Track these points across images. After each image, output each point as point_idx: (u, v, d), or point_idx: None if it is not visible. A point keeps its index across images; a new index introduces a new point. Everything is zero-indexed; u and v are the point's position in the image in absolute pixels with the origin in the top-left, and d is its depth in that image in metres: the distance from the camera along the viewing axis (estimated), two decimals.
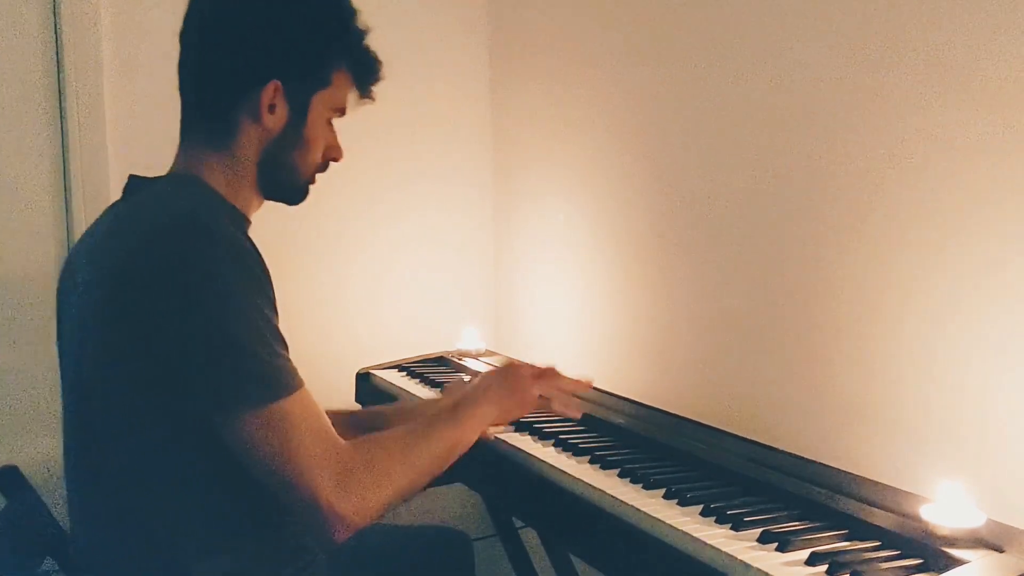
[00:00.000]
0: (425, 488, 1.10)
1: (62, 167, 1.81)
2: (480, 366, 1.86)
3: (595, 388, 1.65)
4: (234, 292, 0.97)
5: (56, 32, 1.77)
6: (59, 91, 1.79)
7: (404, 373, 1.84)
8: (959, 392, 1.20)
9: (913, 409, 1.26)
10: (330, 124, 1.19)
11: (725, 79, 1.57)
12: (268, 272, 1.04)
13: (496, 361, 1.92)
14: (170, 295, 0.95)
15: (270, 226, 1.94)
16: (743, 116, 1.53)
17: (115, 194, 1.80)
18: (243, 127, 1.11)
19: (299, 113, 1.12)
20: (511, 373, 1.25)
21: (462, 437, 1.14)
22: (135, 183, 1.13)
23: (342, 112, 1.19)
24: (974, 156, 1.19)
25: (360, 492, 0.99)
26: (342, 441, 1.02)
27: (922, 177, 1.25)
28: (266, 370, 0.97)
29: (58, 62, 1.78)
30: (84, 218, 1.80)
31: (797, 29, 1.42)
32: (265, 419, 0.96)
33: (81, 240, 1.16)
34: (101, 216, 1.16)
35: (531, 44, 2.15)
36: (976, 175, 1.18)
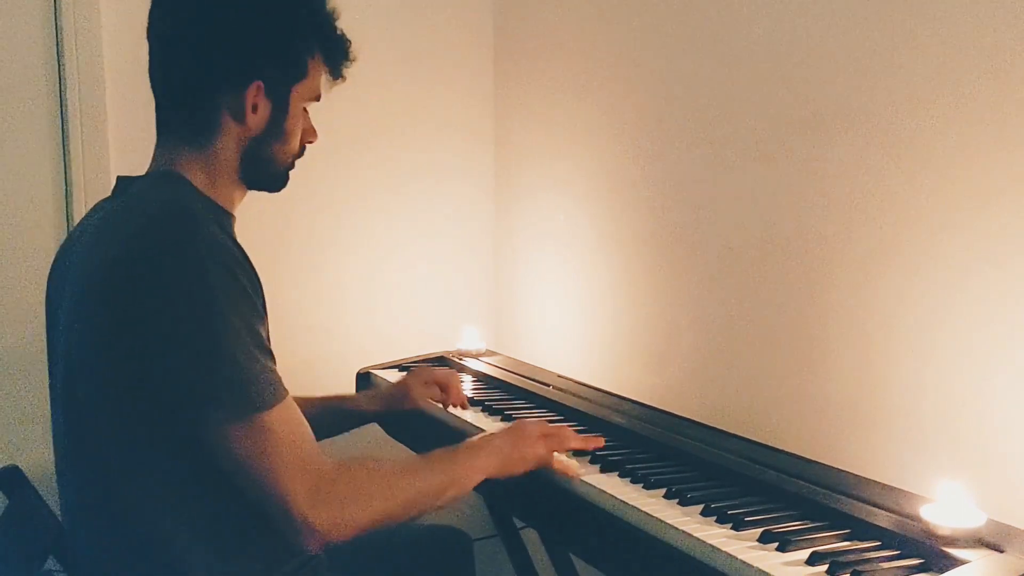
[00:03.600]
0: (413, 520, 1.10)
1: (62, 167, 1.81)
2: (480, 366, 1.86)
3: (595, 388, 1.66)
4: (218, 301, 0.96)
5: (57, 31, 1.77)
6: (60, 91, 1.79)
7: (404, 373, 1.84)
8: (959, 392, 1.21)
9: (913, 409, 1.27)
10: (305, 110, 1.19)
11: (726, 79, 1.57)
12: (255, 275, 1.03)
13: (496, 360, 1.92)
14: (153, 304, 0.96)
15: (269, 226, 1.95)
16: (743, 116, 1.54)
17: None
18: (224, 127, 1.10)
19: (280, 108, 1.12)
20: (520, 428, 1.24)
21: (454, 481, 1.13)
22: (122, 183, 1.14)
23: (318, 98, 1.19)
24: (967, 157, 1.19)
25: (336, 507, 0.99)
26: (324, 457, 1.03)
27: (918, 178, 1.25)
28: (248, 382, 0.96)
29: (59, 61, 1.78)
30: None
31: (798, 31, 1.42)
32: (244, 430, 0.96)
33: (69, 239, 1.16)
34: (88, 215, 1.16)
35: (535, 43, 2.16)
36: (970, 175, 1.19)
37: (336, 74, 1.19)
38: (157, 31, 1.11)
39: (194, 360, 0.95)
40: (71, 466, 1.09)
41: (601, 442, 1.28)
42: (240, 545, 1.07)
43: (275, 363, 1.02)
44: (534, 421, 1.32)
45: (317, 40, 1.14)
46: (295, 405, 1.02)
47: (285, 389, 1.01)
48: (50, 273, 1.16)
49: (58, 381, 1.09)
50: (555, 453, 1.22)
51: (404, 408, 1.54)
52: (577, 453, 1.27)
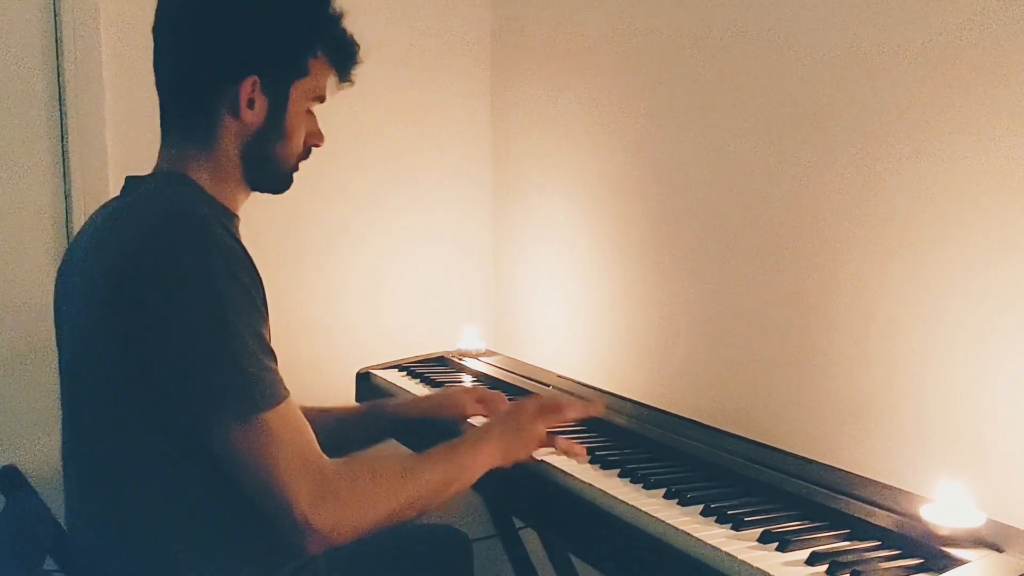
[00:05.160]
0: (416, 518, 1.09)
1: (62, 167, 1.81)
2: (480, 366, 1.86)
3: (595, 388, 1.66)
4: (222, 307, 0.97)
5: (56, 31, 1.77)
6: (59, 90, 1.79)
7: (404, 373, 1.84)
8: (959, 392, 1.21)
9: (913, 409, 1.27)
10: (310, 112, 1.19)
11: (724, 79, 1.57)
12: (258, 276, 1.03)
13: (496, 360, 1.92)
14: (157, 308, 0.96)
15: (270, 225, 1.95)
16: (742, 116, 1.54)
17: (115, 194, 1.82)
18: (223, 123, 1.11)
19: (279, 105, 1.12)
20: (515, 412, 1.22)
21: (458, 476, 1.12)
22: (130, 183, 1.14)
23: (322, 99, 1.19)
24: (967, 156, 1.19)
25: (339, 510, 0.99)
26: (325, 458, 1.02)
27: (917, 178, 1.25)
28: (249, 383, 0.97)
29: (58, 62, 1.78)
30: (84, 218, 1.80)
31: (795, 30, 1.42)
32: (246, 431, 0.97)
33: (76, 239, 1.17)
34: (95, 214, 1.16)
35: (532, 44, 2.15)
36: (970, 175, 1.18)
37: (343, 77, 1.18)
38: (159, 27, 1.12)
39: (197, 366, 0.96)
40: (75, 466, 1.10)
41: (601, 408, 1.24)
42: (239, 547, 1.07)
43: (276, 362, 1.02)
44: (531, 399, 1.29)
45: (320, 41, 1.14)
46: (295, 405, 1.02)
47: (286, 389, 1.01)
48: (58, 274, 1.17)
49: (65, 378, 1.10)
50: (558, 438, 1.21)
51: (447, 416, 1.46)
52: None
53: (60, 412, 1.12)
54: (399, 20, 2.11)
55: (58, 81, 1.79)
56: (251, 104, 1.10)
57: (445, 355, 1.97)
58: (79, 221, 1.80)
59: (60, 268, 1.17)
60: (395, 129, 2.14)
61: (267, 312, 1.05)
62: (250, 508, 1.01)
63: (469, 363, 1.89)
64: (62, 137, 1.80)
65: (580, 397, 1.57)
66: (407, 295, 2.20)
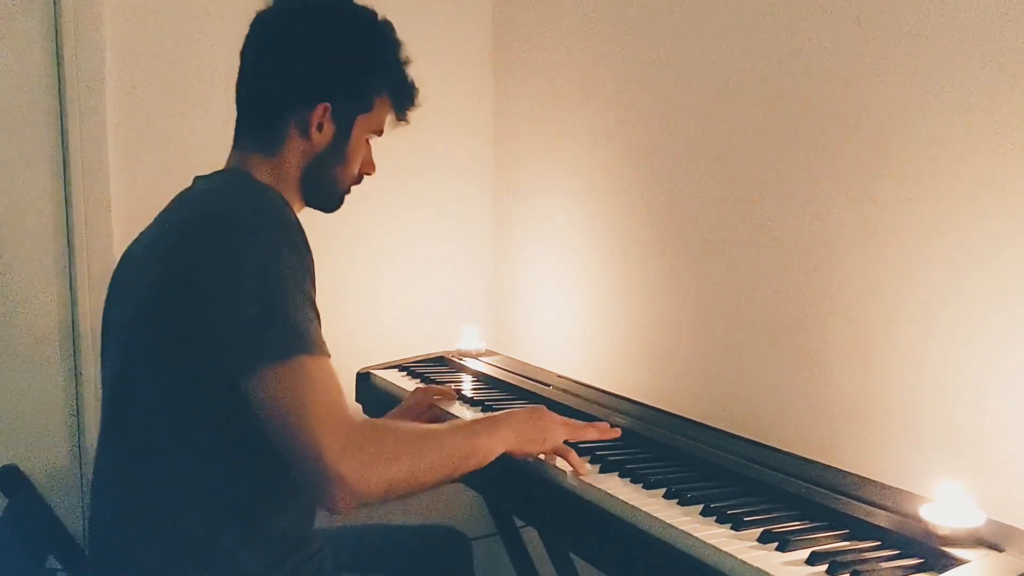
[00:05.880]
0: (427, 490, 1.11)
1: (62, 169, 1.81)
2: (480, 366, 1.86)
3: (595, 388, 1.66)
4: (280, 260, 1.04)
5: (56, 32, 1.77)
6: (60, 92, 1.79)
7: (404, 373, 1.84)
8: (958, 392, 1.21)
9: (913, 409, 1.27)
10: (368, 143, 1.29)
11: (726, 80, 1.57)
12: (311, 253, 1.10)
13: (496, 360, 1.92)
14: (218, 257, 1.03)
15: None
16: (742, 117, 1.54)
17: (115, 196, 1.83)
18: (291, 140, 1.21)
19: (343, 132, 1.23)
20: (541, 411, 1.28)
21: (476, 449, 1.15)
22: (197, 180, 1.23)
23: (380, 133, 1.30)
24: (964, 157, 1.19)
25: (365, 462, 1.01)
26: (354, 416, 1.06)
27: (916, 179, 1.25)
28: (296, 325, 1.02)
29: (59, 63, 1.78)
30: (84, 219, 1.80)
31: (795, 30, 1.43)
32: (286, 372, 1.01)
33: (146, 229, 1.23)
34: (164, 209, 1.23)
35: (534, 43, 2.16)
36: (967, 174, 1.19)
37: (401, 116, 1.30)
38: (248, 48, 1.22)
39: (248, 307, 1.01)
40: (110, 449, 1.14)
41: (618, 433, 1.32)
42: (255, 529, 1.11)
43: (320, 325, 1.08)
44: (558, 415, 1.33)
45: (387, 82, 1.25)
46: (332, 367, 1.07)
47: (327, 350, 1.06)
48: (120, 261, 1.23)
49: (113, 352, 1.16)
50: (571, 452, 1.23)
51: None
52: (576, 452, 1.27)
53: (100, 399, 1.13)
54: (401, 20, 2.10)
55: (59, 82, 1.79)
56: (320, 128, 1.20)
57: (445, 355, 1.97)
58: (79, 223, 1.80)
59: (123, 256, 1.23)
60: (396, 128, 2.14)
61: (315, 284, 1.11)
62: (276, 489, 1.06)
63: (469, 363, 1.89)
64: (62, 138, 1.80)
65: (580, 398, 1.58)
66: (407, 295, 2.20)
